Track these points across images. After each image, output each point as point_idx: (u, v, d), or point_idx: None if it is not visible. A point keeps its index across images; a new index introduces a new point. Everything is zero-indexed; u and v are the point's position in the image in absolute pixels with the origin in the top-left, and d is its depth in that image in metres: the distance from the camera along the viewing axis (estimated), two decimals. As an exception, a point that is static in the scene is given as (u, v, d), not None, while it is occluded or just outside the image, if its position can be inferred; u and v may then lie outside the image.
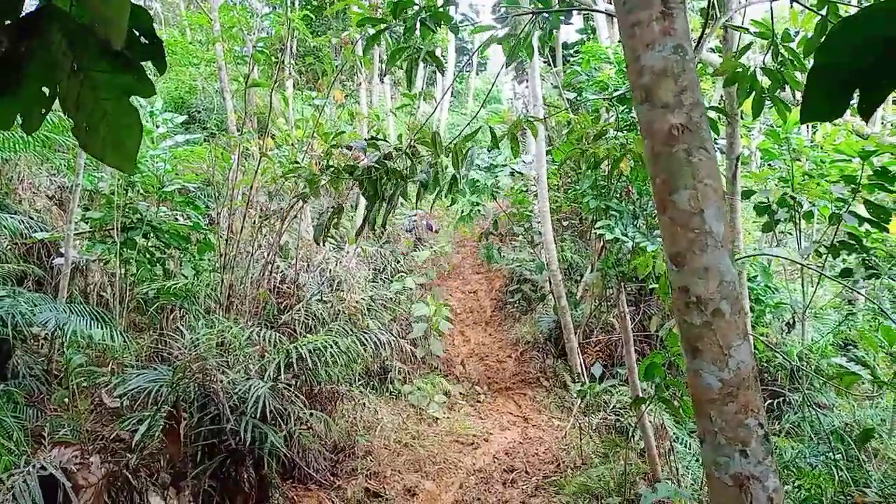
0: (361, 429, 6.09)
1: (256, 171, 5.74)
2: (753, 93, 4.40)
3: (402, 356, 7.86)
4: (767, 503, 1.43)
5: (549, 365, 9.26)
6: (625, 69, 7.08)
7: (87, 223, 7.59)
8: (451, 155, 4.19)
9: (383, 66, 17.99)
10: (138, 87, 1.50)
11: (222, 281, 5.78)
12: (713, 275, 1.50)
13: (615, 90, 8.29)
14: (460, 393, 8.41)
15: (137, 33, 1.49)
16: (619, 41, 10.54)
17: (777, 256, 6.18)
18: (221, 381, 4.10)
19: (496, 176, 9.29)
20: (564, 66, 16.01)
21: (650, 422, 5.07)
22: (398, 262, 11.21)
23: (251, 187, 5.93)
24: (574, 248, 12.00)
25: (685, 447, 5.77)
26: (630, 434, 5.94)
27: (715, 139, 7.30)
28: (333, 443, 5.51)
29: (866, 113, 1.58)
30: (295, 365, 4.82)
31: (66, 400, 5.26)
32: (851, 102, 1.74)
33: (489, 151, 9.89)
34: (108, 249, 6.55)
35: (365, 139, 3.77)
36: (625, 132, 7.57)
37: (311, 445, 5.13)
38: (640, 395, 5.01)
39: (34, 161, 8.92)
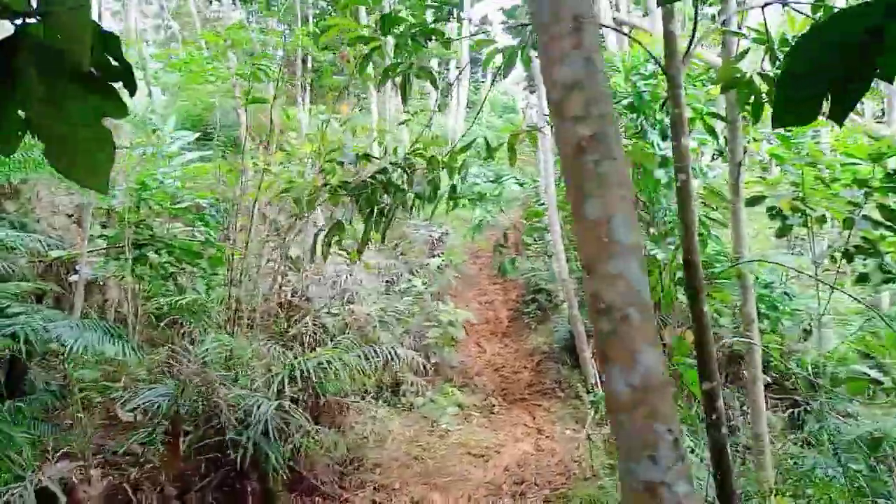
0: (372, 442, 6.10)
1: (259, 187, 5.82)
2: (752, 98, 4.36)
3: (414, 368, 7.86)
4: (678, 509, 1.42)
5: (565, 375, 9.19)
6: (632, 77, 7.00)
7: (102, 240, 7.75)
8: (446, 166, 4.22)
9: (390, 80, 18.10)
10: (110, 109, 1.55)
11: (229, 295, 5.85)
12: (621, 282, 1.49)
13: (622, 99, 8.27)
14: (474, 404, 8.38)
15: (109, 57, 1.55)
16: (628, 50, 10.46)
17: (776, 263, 6.09)
18: (225, 395, 4.15)
19: (503, 186, 9.31)
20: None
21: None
22: (413, 273, 11.22)
23: (254, 202, 6.01)
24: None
25: (700, 460, 5.67)
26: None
27: (717, 148, 7.11)
28: (342, 456, 5.52)
29: (837, 118, 1.57)
30: (299, 379, 4.85)
31: (79, 415, 5.34)
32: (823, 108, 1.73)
33: (487, 161, 9.93)
34: (121, 266, 6.68)
35: (357, 154, 3.81)
36: (632, 140, 7.54)
37: (318, 458, 5.15)
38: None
39: (53, 181, 9.10)
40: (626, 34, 12.45)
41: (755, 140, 9.99)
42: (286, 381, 4.64)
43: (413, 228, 13.11)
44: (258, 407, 4.14)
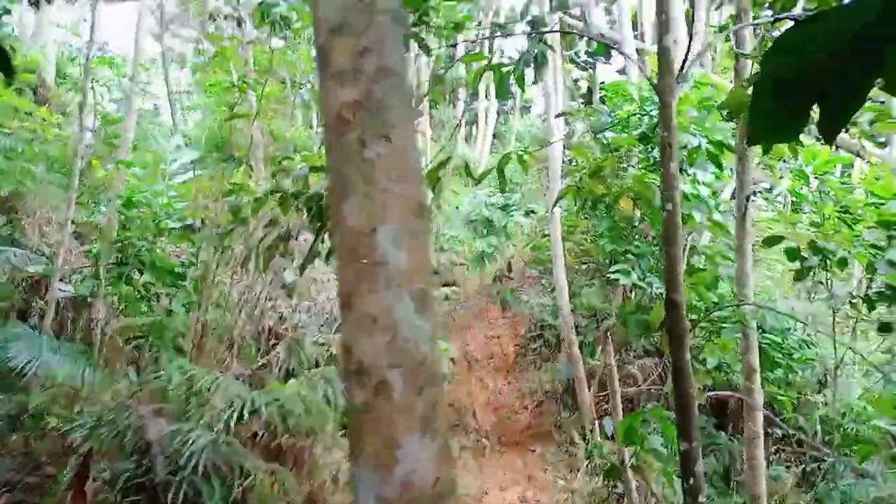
0: (341, 485, 5.67)
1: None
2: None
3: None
4: None
5: (564, 418, 8.69)
6: (647, 107, 6.59)
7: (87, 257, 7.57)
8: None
9: (419, 101, 17.91)
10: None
11: (197, 319, 5.54)
12: (382, 328, 0.96)
13: (635, 128, 7.89)
14: (465, 446, 7.91)
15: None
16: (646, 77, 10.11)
17: (775, 310, 5.61)
18: (158, 431, 3.81)
19: (511, 215, 8.93)
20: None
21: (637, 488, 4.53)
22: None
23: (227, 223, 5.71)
24: (602, 293, 11.43)
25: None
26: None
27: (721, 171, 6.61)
28: (303, 501, 5.10)
29: (827, 133, 1.18)
30: (253, 414, 4.49)
31: (32, 442, 5.06)
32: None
33: (502, 192, 9.57)
34: (97, 285, 6.46)
35: (310, 166, 3.48)
36: (639, 170, 7.14)
37: (273, 502, 4.75)
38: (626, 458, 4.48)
39: (53, 195, 8.96)
40: (638, 62, 12.12)
41: (779, 177, 9.50)
42: (235, 416, 4.28)
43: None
44: (192, 442, 3.78)
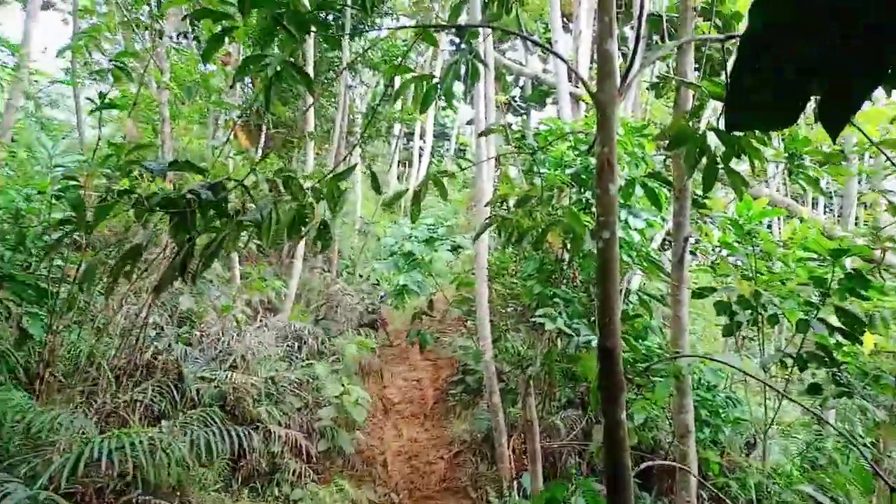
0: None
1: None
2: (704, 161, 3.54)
3: (299, 453, 6.63)
4: None
5: (482, 472, 8.03)
6: (581, 147, 6.13)
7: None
8: (318, 195, 3.25)
9: (351, 133, 17.28)
10: None
11: (44, 344, 4.63)
12: None
13: (567, 167, 7.57)
14: (369, 500, 7.11)
15: None
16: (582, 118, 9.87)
17: (721, 362, 5.22)
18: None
19: (436, 249, 8.37)
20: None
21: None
22: (324, 343, 10.00)
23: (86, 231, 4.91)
24: (529, 339, 10.97)
25: None
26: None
27: (662, 218, 6.27)
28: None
29: (833, 122, 0.79)
30: (102, 461, 3.65)
31: None
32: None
33: (412, 221, 9.01)
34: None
35: (174, 160, 2.80)
36: (569, 207, 6.72)
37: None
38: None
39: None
40: (579, 99, 12.04)
41: (706, 233, 9.38)
42: (70, 464, 3.43)
43: (340, 292, 12.04)
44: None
